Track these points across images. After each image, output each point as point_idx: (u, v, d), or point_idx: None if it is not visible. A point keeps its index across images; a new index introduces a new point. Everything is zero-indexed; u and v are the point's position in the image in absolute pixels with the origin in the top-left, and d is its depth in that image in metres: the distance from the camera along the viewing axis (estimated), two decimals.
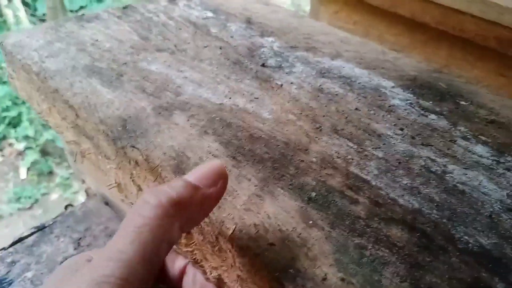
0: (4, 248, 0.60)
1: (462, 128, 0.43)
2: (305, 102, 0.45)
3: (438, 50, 0.73)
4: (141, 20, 0.60)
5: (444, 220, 0.33)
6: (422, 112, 0.45)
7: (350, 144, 0.40)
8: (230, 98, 0.45)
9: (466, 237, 0.32)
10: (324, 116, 0.43)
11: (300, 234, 0.31)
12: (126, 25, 0.58)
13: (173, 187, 0.27)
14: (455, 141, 0.41)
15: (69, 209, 0.67)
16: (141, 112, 0.42)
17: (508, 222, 0.33)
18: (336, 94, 0.47)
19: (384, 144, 0.40)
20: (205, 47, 0.54)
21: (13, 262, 0.58)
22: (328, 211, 0.33)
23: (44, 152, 2.28)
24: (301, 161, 0.38)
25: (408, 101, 0.46)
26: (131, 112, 0.42)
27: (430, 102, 0.46)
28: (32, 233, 0.62)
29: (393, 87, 0.48)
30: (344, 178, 0.36)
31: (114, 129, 0.40)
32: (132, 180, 0.40)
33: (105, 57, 0.50)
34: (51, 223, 0.64)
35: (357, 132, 0.41)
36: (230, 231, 0.32)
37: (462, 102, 0.47)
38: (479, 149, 0.40)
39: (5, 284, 0.56)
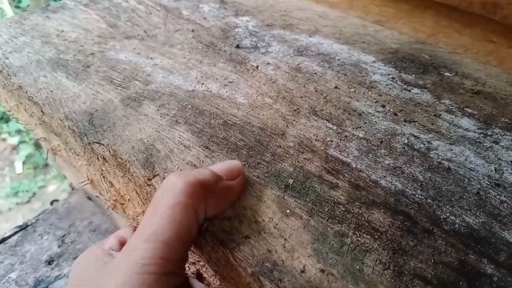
0: None
1: (447, 101, 0.41)
2: (282, 83, 0.43)
3: (424, 20, 0.70)
4: (109, 7, 0.57)
5: (429, 201, 0.31)
6: (405, 86, 0.42)
7: (329, 125, 0.38)
8: (203, 84, 0.43)
9: (452, 217, 0.30)
10: (302, 97, 0.41)
11: (277, 224, 0.30)
12: (94, 13, 0.55)
13: (199, 172, 0.28)
14: (440, 115, 0.39)
15: (53, 205, 0.65)
16: (109, 105, 0.40)
17: (497, 198, 0.32)
18: (315, 73, 0.44)
19: (365, 123, 0.38)
20: (177, 31, 0.52)
21: None
22: (306, 198, 0.31)
23: (38, 145, 2.25)
24: (278, 146, 0.36)
25: (390, 76, 0.44)
26: (98, 105, 0.40)
27: (413, 75, 0.44)
28: (15, 233, 0.60)
29: (374, 61, 0.46)
30: (323, 162, 0.34)
31: (80, 124, 0.38)
32: (103, 177, 0.38)
33: (71, 48, 0.48)
34: (33, 221, 0.62)
35: (337, 112, 0.39)
36: (204, 227, 0.30)
37: (446, 74, 0.44)
38: (465, 122, 0.39)
39: None
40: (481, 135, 0.37)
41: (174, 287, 0.25)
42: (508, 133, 0.38)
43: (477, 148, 0.36)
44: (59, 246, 0.60)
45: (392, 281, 0.26)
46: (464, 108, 0.40)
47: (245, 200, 0.31)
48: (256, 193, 0.32)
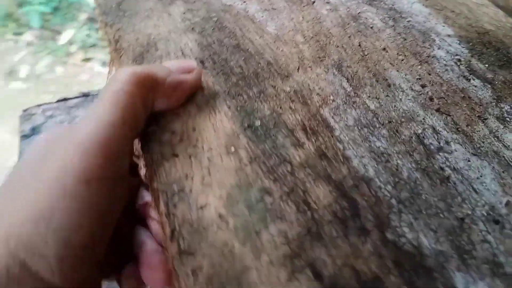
0: (49, 103, 0.65)
1: (507, 107, 0.32)
2: (327, 26, 0.38)
3: None
4: None
5: (393, 201, 0.26)
6: (466, 74, 0.34)
7: (345, 85, 0.33)
8: (244, 2, 0.39)
9: (405, 229, 0.25)
10: (337, 47, 0.36)
11: (212, 156, 0.27)
12: None
13: (149, 65, 0.30)
14: (486, 119, 0.31)
15: None
16: None
17: (482, 235, 0.25)
18: (371, 27, 0.38)
19: (387, 96, 0.32)
20: None
21: (51, 116, 0.62)
22: (260, 144, 0.28)
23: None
24: (272, 86, 0.32)
25: (457, 57, 0.36)
26: None
27: (486, 65, 0.35)
28: (76, 97, 0.66)
29: (449, 35, 0.38)
30: (306, 118, 0.30)
31: (108, 4, 0.38)
32: (112, 61, 0.39)
33: None
34: (96, 93, 0.67)
35: (364, 75, 0.33)
36: (150, 129, 0.29)
37: None
38: (511, 138, 0.30)
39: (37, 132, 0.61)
40: None
41: (121, 175, 0.26)
42: None
43: (503, 172, 0.28)
44: None
45: (282, 259, 0.23)
46: None
47: (200, 122, 0.29)
48: (215, 121, 0.29)
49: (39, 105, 0.76)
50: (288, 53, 0.35)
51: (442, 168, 0.28)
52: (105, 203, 0.25)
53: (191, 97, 0.31)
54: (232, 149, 0.28)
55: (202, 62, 0.33)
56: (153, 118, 0.29)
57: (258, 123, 0.29)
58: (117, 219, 0.27)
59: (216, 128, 0.29)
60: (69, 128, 0.26)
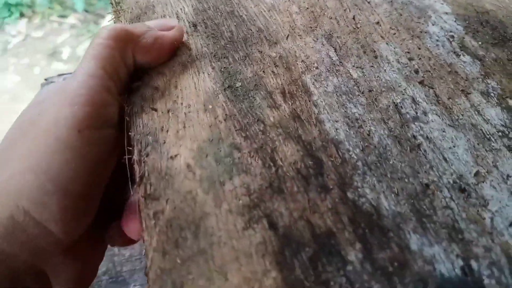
0: (70, 73, 0.67)
1: (493, 83, 0.32)
2: None
3: None
4: None
5: (359, 163, 0.26)
6: (457, 50, 0.34)
7: (332, 54, 0.33)
8: None
9: (366, 190, 0.25)
10: (331, 18, 0.36)
11: (189, 112, 0.28)
12: None
13: (126, 25, 0.30)
14: (469, 93, 0.31)
15: None
16: None
17: (445, 201, 0.25)
18: (368, 2, 0.38)
19: (372, 66, 0.32)
20: None
21: None
22: (237, 104, 0.29)
23: None
24: (259, 51, 0.33)
25: (450, 34, 0.35)
26: None
27: (480, 42, 0.35)
28: None
29: (446, 13, 0.37)
30: (287, 82, 0.31)
31: None
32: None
33: None
34: None
35: (352, 46, 0.34)
36: (134, 85, 0.30)
37: None
38: (492, 113, 0.30)
39: None
40: (499, 134, 0.29)
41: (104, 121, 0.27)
42: None
43: (478, 144, 0.28)
44: None
45: (241, 208, 0.24)
46: (507, 99, 0.31)
47: (183, 80, 0.30)
48: (198, 80, 0.30)
49: (60, 75, 0.78)
50: (280, 22, 0.35)
51: (414, 136, 0.28)
52: (97, 152, 0.26)
53: (178, 57, 0.32)
54: (210, 106, 0.29)
55: (194, 25, 0.34)
56: (140, 75, 0.31)
57: (239, 84, 0.30)
58: (110, 172, 0.28)
59: (198, 87, 0.30)
60: (62, 83, 0.28)
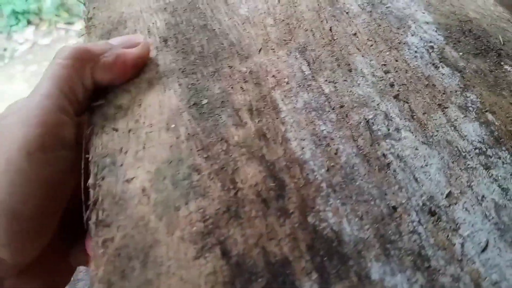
0: None
1: (472, 97, 0.30)
2: (301, 10, 0.37)
3: None
4: None
5: (323, 185, 0.25)
6: (436, 61, 0.33)
7: (305, 68, 0.32)
8: None
9: (328, 214, 0.24)
10: (306, 30, 0.35)
11: (150, 131, 0.28)
12: None
13: (87, 43, 0.30)
14: (446, 108, 0.30)
15: None
16: None
17: (412, 226, 0.24)
18: (347, 12, 0.37)
19: (345, 80, 0.31)
20: None
21: None
22: (201, 122, 0.28)
23: None
24: (229, 66, 0.32)
25: (430, 44, 0.34)
26: None
27: (461, 53, 0.33)
28: None
29: (427, 23, 0.36)
30: (255, 99, 0.30)
31: None
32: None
33: None
34: None
35: (326, 59, 0.33)
36: (98, 103, 0.29)
37: (508, 68, 0.33)
38: (470, 129, 0.29)
39: None
40: (476, 151, 0.27)
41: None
42: None
43: (452, 162, 0.27)
44: None
45: (194, 236, 0.23)
46: (486, 113, 0.29)
47: (147, 98, 0.30)
48: (163, 97, 0.30)
49: None
50: (254, 35, 0.34)
51: (384, 155, 0.27)
52: (50, 174, 0.26)
53: (145, 74, 0.31)
54: (173, 125, 0.28)
55: (165, 40, 0.34)
56: (104, 93, 0.30)
57: (205, 101, 0.29)
58: (70, 192, 0.28)
59: (162, 105, 0.29)
60: (22, 102, 0.27)
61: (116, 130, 0.28)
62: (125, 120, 0.28)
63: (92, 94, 0.30)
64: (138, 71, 0.31)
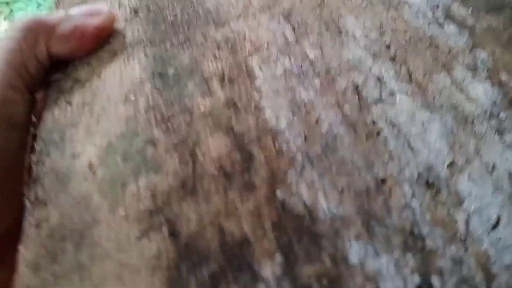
0: None
1: (483, 56, 0.26)
2: None
3: None
4: None
5: (298, 156, 0.21)
6: (441, 20, 0.28)
7: (288, 33, 0.28)
8: None
9: (301, 188, 0.20)
10: None
11: (106, 104, 0.25)
12: None
13: (42, 14, 0.27)
14: (451, 69, 0.25)
15: None
16: None
17: (405, 199, 0.20)
18: None
19: (334, 44, 0.27)
20: None
21: None
22: (164, 93, 0.25)
23: None
24: (202, 34, 0.29)
25: (434, 4, 0.30)
26: None
27: (471, 10, 0.29)
28: None
29: None
30: (229, 67, 0.26)
31: None
32: None
33: None
34: None
35: (314, 23, 0.29)
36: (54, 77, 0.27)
37: None
38: (479, 90, 0.24)
39: None
40: (486, 114, 0.23)
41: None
42: None
43: (458, 128, 0.22)
44: None
45: (140, 214, 0.19)
46: (499, 73, 0.25)
47: (108, 70, 0.27)
48: (125, 69, 0.27)
49: None
50: (234, 1, 0.31)
51: (374, 122, 0.23)
52: None
53: (109, 46, 0.28)
54: (132, 97, 0.25)
55: (135, 11, 0.31)
56: (62, 67, 0.27)
57: (171, 71, 0.26)
58: (22, 175, 0.25)
59: (123, 76, 0.26)
60: None
61: (70, 103, 0.25)
62: (81, 93, 0.25)
63: (50, 68, 0.27)
64: (101, 43, 0.28)
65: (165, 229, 0.19)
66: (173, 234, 0.19)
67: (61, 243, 0.19)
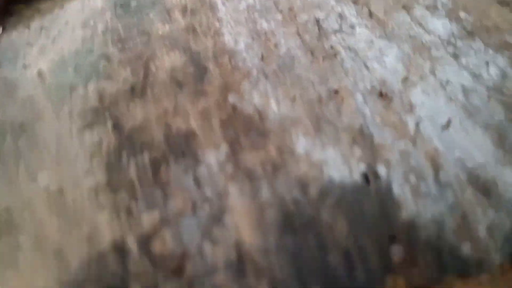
0: None
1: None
2: None
3: None
4: None
5: (253, 72, 0.21)
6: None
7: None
8: None
9: (254, 95, 0.20)
10: None
11: (64, 28, 0.25)
12: None
13: None
14: (411, 8, 0.26)
15: None
16: None
17: (357, 106, 0.20)
18: None
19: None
20: None
21: None
22: (124, 19, 0.25)
23: None
24: None
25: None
26: None
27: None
28: None
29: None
30: (192, 1, 0.26)
31: None
32: None
33: None
34: None
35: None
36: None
37: None
38: (437, 25, 0.24)
39: None
40: (444, 43, 0.23)
41: None
42: (483, 51, 0.22)
43: (414, 53, 0.22)
44: None
45: (86, 111, 0.19)
46: (458, 11, 0.25)
47: (72, 1, 0.27)
48: (90, 1, 0.27)
49: None
50: None
51: (332, 47, 0.23)
52: None
53: None
54: (91, 22, 0.25)
55: None
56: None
57: (134, 3, 0.26)
58: None
59: (85, 5, 0.26)
60: None
61: (28, 27, 0.25)
62: (40, 20, 0.25)
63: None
64: None
65: (109, 124, 0.18)
66: (117, 128, 0.18)
67: (1, 137, 0.18)
